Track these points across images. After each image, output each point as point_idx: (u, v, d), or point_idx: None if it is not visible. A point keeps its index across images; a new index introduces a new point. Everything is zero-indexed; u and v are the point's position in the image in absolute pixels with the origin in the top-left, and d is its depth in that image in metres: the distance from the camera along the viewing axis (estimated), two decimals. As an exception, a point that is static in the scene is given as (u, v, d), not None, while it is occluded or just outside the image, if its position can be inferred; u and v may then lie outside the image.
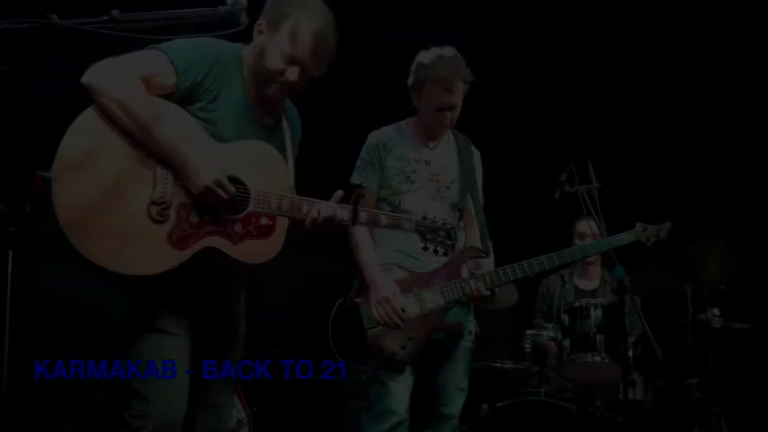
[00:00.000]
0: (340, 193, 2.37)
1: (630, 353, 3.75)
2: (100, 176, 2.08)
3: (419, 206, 3.07)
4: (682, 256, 3.62)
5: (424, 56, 3.08)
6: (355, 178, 3.14)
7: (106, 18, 1.63)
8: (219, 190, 2.16)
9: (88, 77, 2.11)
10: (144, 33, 1.69)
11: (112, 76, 2.12)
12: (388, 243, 3.11)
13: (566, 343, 3.91)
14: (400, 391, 2.96)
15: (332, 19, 2.32)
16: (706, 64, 5.05)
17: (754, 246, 3.69)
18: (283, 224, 2.31)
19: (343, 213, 2.35)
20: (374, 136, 3.21)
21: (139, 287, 2.28)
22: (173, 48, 2.22)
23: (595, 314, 3.89)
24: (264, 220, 2.27)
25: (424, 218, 2.57)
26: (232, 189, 2.18)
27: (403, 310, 2.93)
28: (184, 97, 2.24)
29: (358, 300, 3.01)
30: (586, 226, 4.49)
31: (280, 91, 2.34)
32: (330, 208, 2.32)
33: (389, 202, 3.14)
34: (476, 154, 3.30)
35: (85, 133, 2.10)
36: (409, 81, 3.13)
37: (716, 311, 3.82)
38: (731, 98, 5.04)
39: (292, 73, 2.29)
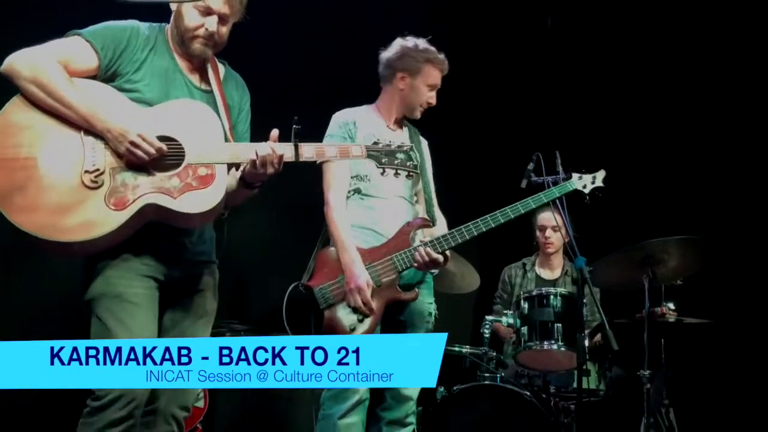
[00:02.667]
0: (275, 132, 2.38)
1: (586, 343, 3.81)
2: (29, 156, 2.18)
3: (387, 184, 3.14)
4: (641, 250, 3.68)
5: (413, 41, 3.27)
6: None
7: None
8: (144, 144, 2.21)
9: (3, 66, 2.22)
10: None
11: (26, 60, 2.22)
12: (356, 220, 3.15)
13: (524, 330, 3.96)
14: None
15: None
16: (674, 59, 5.12)
17: (711, 243, 3.76)
18: (222, 171, 2.33)
19: (284, 150, 2.36)
20: (344, 113, 3.26)
21: (96, 258, 2.29)
22: (89, 30, 2.33)
23: (554, 303, 3.94)
24: (202, 170, 2.30)
25: (375, 143, 2.60)
26: (157, 143, 2.23)
27: None
28: (108, 74, 2.32)
29: (311, 283, 3.03)
30: (548, 217, 4.53)
31: (205, 45, 2.41)
32: (267, 147, 2.33)
33: (360, 177, 3.18)
34: (424, 143, 3.42)
35: (12, 118, 2.20)
36: (397, 64, 3.25)
37: (672, 305, 3.89)
38: (695, 95, 5.11)
39: (211, 24, 2.37)
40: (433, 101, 3.30)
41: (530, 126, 5.23)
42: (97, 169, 2.21)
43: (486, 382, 3.93)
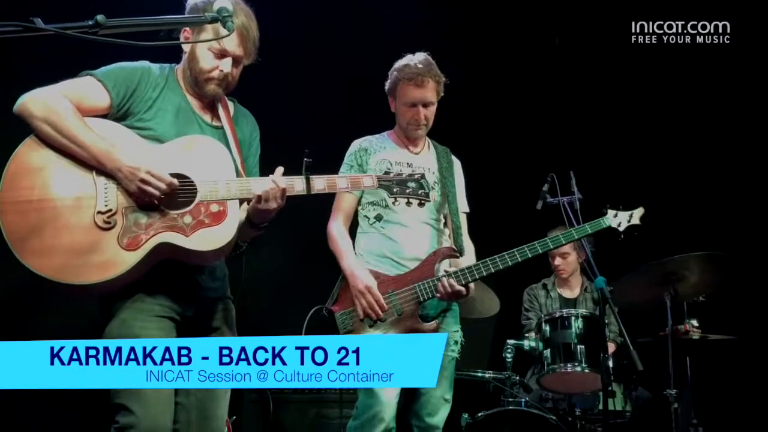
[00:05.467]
0: (280, 169, 2.38)
1: (610, 363, 3.77)
2: (43, 198, 2.19)
3: (405, 210, 3.11)
4: (661, 268, 3.64)
5: (397, 62, 3.22)
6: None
7: (90, 23, 1.62)
8: (154, 180, 2.21)
9: (17, 106, 2.24)
10: (129, 39, 1.68)
11: (39, 99, 2.23)
12: (375, 249, 3.14)
13: (547, 353, 3.92)
14: (389, 399, 2.96)
15: (250, 10, 2.44)
16: (687, 77, 5.11)
17: (733, 258, 3.72)
18: (234, 207, 2.34)
19: (296, 183, 2.36)
20: (356, 143, 3.28)
21: (111, 300, 2.30)
22: (101, 70, 2.36)
23: (576, 324, 3.90)
24: (215, 207, 2.30)
25: (386, 173, 2.59)
26: (167, 178, 2.23)
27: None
28: (120, 113, 2.34)
29: (334, 307, 3.02)
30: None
31: (219, 86, 2.43)
32: (269, 181, 2.33)
33: (376, 203, 3.17)
34: (457, 163, 3.36)
35: (25, 159, 2.22)
36: (386, 87, 3.24)
37: (695, 322, 3.85)
38: (712, 112, 5.10)
39: (226, 65, 2.41)
40: (419, 118, 3.15)
41: (543, 146, 5.23)
42: (110, 210, 2.22)
43: (510, 408, 3.89)
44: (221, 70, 2.40)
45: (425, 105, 3.14)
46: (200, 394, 2.40)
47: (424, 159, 3.26)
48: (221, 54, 2.39)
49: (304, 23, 4.77)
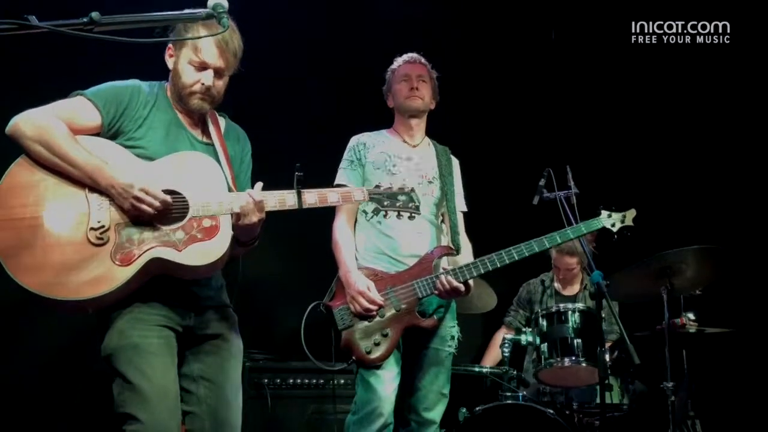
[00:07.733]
0: (259, 184, 2.40)
1: (607, 357, 3.77)
2: (35, 215, 2.20)
3: (393, 219, 3.09)
4: (658, 261, 3.65)
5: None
6: (339, 179, 3.21)
7: (85, 20, 1.61)
8: (148, 198, 2.22)
9: (9, 127, 2.25)
10: (123, 36, 1.68)
11: (31, 120, 2.25)
12: (372, 245, 3.15)
13: (544, 347, 3.92)
14: (387, 393, 2.98)
15: (231, 22, 2.40)
16: (687, 77, 5.11)
17: (729, 251, 3.73)
18: (226, 222, 2.35)
19: (287, 198, 2.38)
20: (355, 138, 3.32)
21: (109, 311, 2.30)
22: (92, 90, 2.38)
23: (573, 319, 3.91)
24: (207, 222, 2.32)
25: (377, 187, 2.62)
26: (161, 195, 2.25)
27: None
28: (111, 132, 2.36)
29: (331, 303, 3.03)
30: (566, 262, 4.55)
31: (203, 100, 2.44)
32: (271, 196, 2.36)
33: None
34: (455, 162, 3.39)
35: (17, 177, 2.23)
36: (384, 88, 3.38)
37: (691, 316, 3.86)
38: (708, 106, 5.11)
39: (207, 78, 2.42)
40: (413, 82, 3.26)
41: (539, 141, 5.23)
42: (103, 226, 2.23)
43: (508, 402, 3.89)
44: (203, 84, 2.41)
45: (419, 76, 3.26)
46: (211, 401, 2.41)
47: (423, 153, 3.29)
48: (202, 67, 2.41)
49: (302, 24, 4.76)
